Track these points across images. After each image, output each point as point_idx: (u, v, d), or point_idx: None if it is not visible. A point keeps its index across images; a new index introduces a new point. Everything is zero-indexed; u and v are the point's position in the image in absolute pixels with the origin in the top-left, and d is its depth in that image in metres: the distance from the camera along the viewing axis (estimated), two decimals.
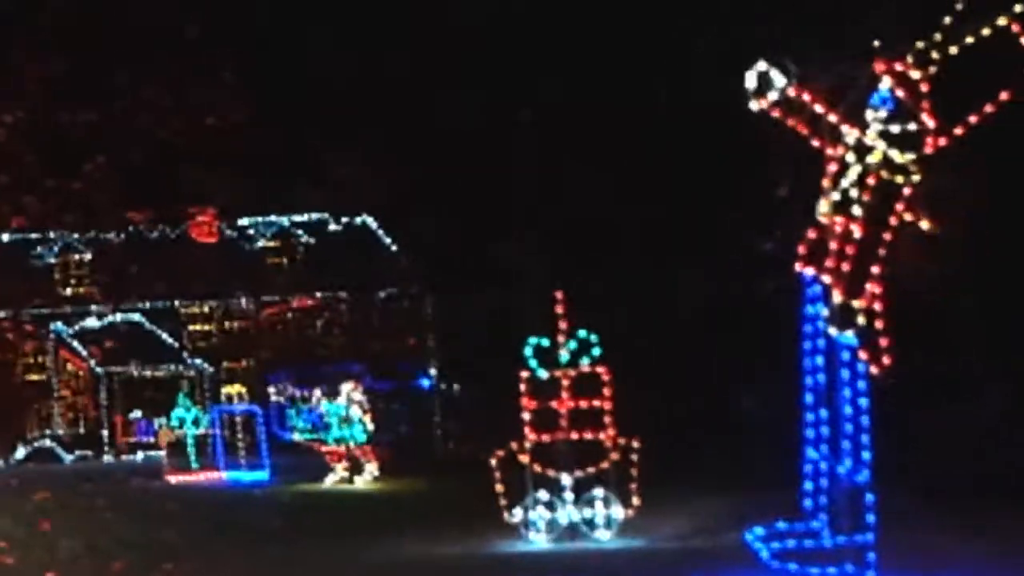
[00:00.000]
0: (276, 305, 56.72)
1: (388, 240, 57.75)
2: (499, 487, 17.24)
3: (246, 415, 32.24)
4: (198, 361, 55.46)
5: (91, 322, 56.14)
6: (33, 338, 56.28)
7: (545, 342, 17.19)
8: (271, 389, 33.85)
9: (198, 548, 18.05)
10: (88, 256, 57.94)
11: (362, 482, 27.28)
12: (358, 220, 58.77)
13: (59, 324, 55.80)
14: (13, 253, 57.91)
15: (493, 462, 17.34)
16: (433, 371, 51.54)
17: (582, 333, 17.23)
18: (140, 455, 51.92)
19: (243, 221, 58.81)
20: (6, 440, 51.92)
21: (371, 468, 27.58)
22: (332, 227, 58.75)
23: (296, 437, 31.64)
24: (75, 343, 55.26)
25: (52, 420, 55.83)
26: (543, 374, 17.18)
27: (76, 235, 58.23)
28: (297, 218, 58.60)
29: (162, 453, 50.98)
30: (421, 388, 49.43)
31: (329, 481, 27.55)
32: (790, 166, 15.42)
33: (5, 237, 58.68)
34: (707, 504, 19.25)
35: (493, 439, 37.13)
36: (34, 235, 58.21)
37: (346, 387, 28.03)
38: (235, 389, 32.77)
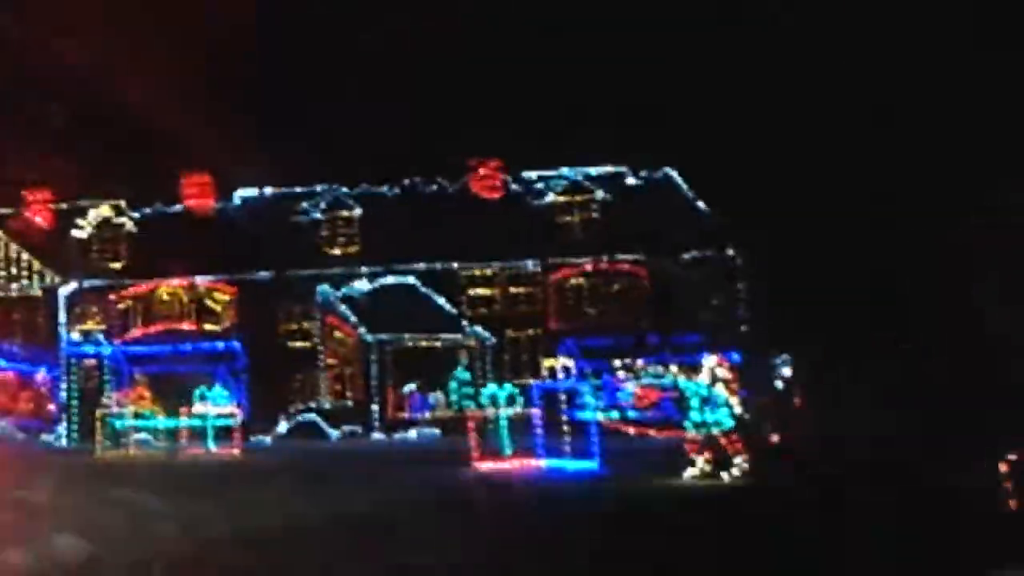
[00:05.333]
0: (567, 268, 53.73)
1: (694, 195, 54.19)
2: (1012, 503, 13.36)
3: (569, 393, 29.03)
4: (478, 330, 52.95)
5: (361, 285, 54.20)
6: (298, 302, 54.80)
7: None
8: (560, 362, 30.87)
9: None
10: (358, 212, 56.00)
11: (730, 477, 23.70)
12: (660, 173, 55.38)
13: (325, 287, 54.04)
14: (277, 209, 56.77)
15: (1003, 468, 13.41)
16: (749, 345, 47.96)
17: None
18: (413, 432, 49.85)
19: (530, 174, 56.07)
20: (268, 413, 50.36)
21: (740, 460, 23.98)
22: (630, 180, 55.44)
23: (599, 417, 28.38)
24: (343, 308, 53.34)
25: (317, 392, 54.11)
26: None
27: (345, 189, 56.55)
28: (590, 170, 55.48)
29: (437, 431, 49.34)
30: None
31: (688, 475, 24.03)
32: None
33: (268, 191, 57.62)
34: None
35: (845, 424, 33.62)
36: (299, 189, 56.95)
37: (709, 362, 24.54)
38: (559, 362, 29.46)
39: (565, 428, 28.89)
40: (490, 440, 30.09)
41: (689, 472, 24.24)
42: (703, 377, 24.46)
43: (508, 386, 31.26)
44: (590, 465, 27.83)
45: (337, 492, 23.30)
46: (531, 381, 44.22)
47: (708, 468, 24.21)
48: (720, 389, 24.31)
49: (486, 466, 28.67)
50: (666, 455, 27.48)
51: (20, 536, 16.40)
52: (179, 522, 18.11)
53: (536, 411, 29.46)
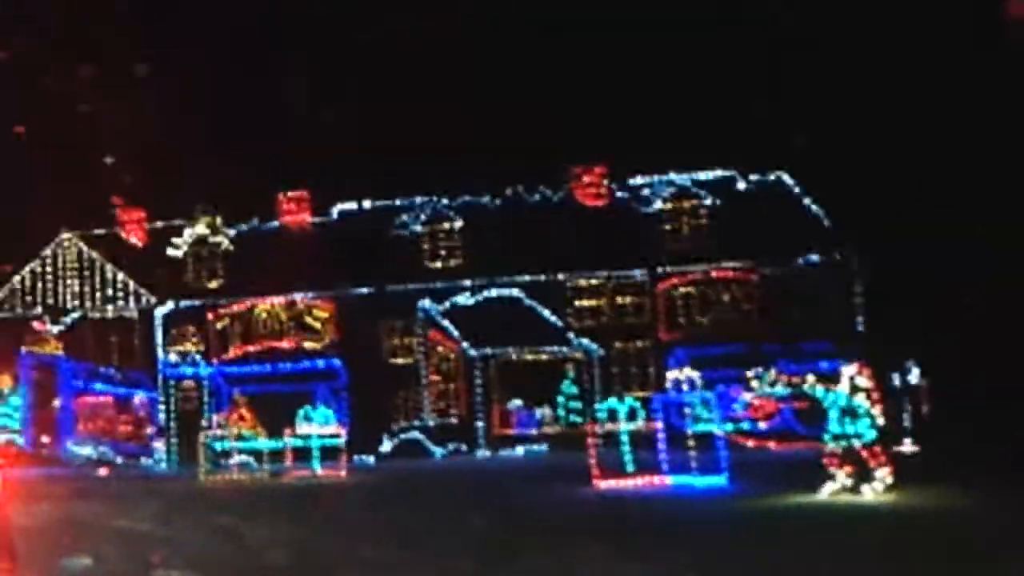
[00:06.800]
0: (676, 276, 52.57)
1: (809, 198, 52.81)
2: None
3: (691, 405, 27.91)
4: (585, 342, 51.95)
5: (463, 299, 53.42)
6: (399, 318, 54.15)
7: None
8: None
9: None
10: (459, 224, 55.23)
11: (872, 493, 22.45)
12: (772, 176, 54.08)
13: (427, 301, 53.27)
14: (376, 222, 56.26)
15: None
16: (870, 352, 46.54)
17: None
18: (520, 449, 48.98)
19: (636, 180, 55.03)
20: (371, 432, 49.62)
21: (883, 475, 22.74)
22: (741, 185, 54.17)
23: (715, 429, 27.33)
24: (445, 322, 52.55)
25: (420, 409, 53.36)
26: None
27: (445, 201, 55.89)
28: (699, 176, 54.29)
29: (544, 447, 48.38)
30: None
31: (827, 491, 22.80)
32: None
33: (367, 204, 57.11)
34: None
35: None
36: (399, 202, 56.43)
37: (848, 371, 23.31)
38: (683, 373, 28.37)
39: (690, 442, 27.80)
40: (611, 457, 29.03)
41: (829, 487, 23.01)
42: (842, 387, 23.23)
43: (629, 399, 30.17)
44: (718, 481, 26.76)
45: (453, 514, 22.34)
46: (642, 393, 43.45)
47: (849, 483, 22.98)
48: (861, 399, 23.09)
49: (608, 484, 27.63)
50: (796, 469, 26.37)
51: (127, 571, 15.67)
52: (292, 550, 17.30)
53: (659, 425, 28.37)
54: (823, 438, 23.30)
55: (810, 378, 23.79)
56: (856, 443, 22.97)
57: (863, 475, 22.94)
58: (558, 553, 16.10)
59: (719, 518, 20.69)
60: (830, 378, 23.67)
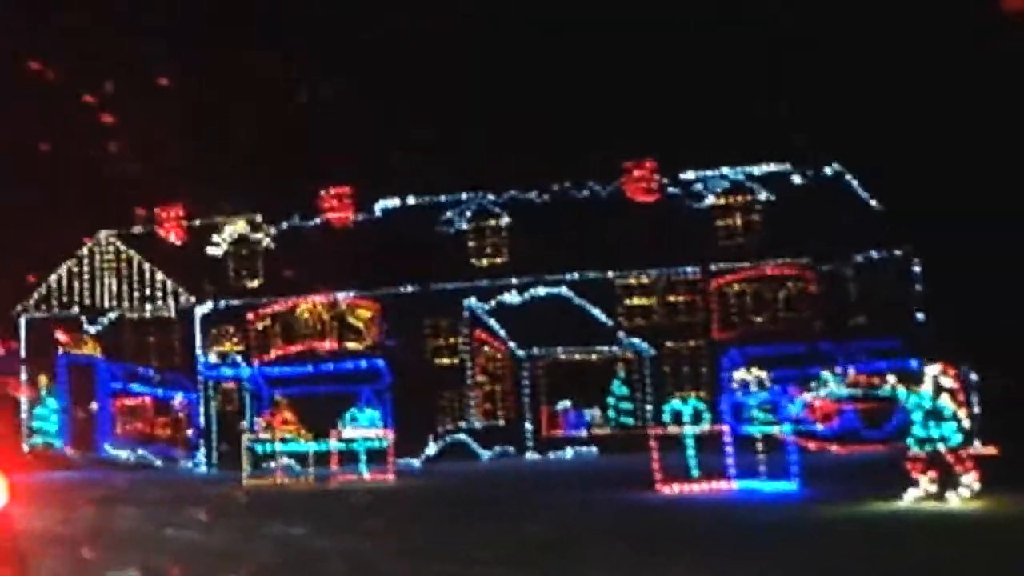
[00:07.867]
0: (729, 273, 51.45)
1: (865, 193, 51.63)
2: None
3: (765, 406, 26.82)
4: (636, 341, 50.88)
5: (510, 297, 52.46)
6: (444, 317, 53.29)
7: None
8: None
9: None
10: (506, 220, 54.28)
11: (958, 500, 21.28)
12: (827, 170, 52.93)
13: (473, 300, 52.39)
14: (420, 219, 55.40)
15: None
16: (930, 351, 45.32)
17: None
18: (569, 452, 48.01)
19: (687, 175, 53.94)
20: (416, 434, 48.70)
21: (969, 480, 21.56)
22: (795, 179, 53.04)
23: (777, 431, 26.26)
24: (492, 322, 51.65)
25: (466, 411, 52.48)
26: None
27: (491, 196, 54.97)
28: (752, 170, 53.17)
29: (594, 450, 47.40)
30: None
31: (910, 497, 21.64)
32: None
33: (411, 200, 56.24)
34: None
35: None
36: (444, 198, 55.58)
37: (932, 371, 22.13)
38: (751, 373, 27.28)
39: (758, 446, 26.69)
40: (672, 460, 27.91)
41: (911, 494, 21.83)
42: (925, 387, 22.03)
43: (693, 400, 29.02)
44: (788, 487, 25.64)
45: (512, 523, 21.27)
46: (696, 394, 42.41)
47: (933, 489, 21.79)
48: (946, 401, 21.87)
49: (671, 489, 26.55)
50: (867, 473, 25.35)
51: None
52: (348, 560, 16.31)
53: (726, 428, 27.24)
54: (894, 440, 22.21)
55: (891, 378, 22.66)
56: (941, 447, 21.79)
57: (948, 481, 21.75)
58: (629, 566, 15.06)
59: (796, 527, 19.52)
60: (912, 378, 22.55)
